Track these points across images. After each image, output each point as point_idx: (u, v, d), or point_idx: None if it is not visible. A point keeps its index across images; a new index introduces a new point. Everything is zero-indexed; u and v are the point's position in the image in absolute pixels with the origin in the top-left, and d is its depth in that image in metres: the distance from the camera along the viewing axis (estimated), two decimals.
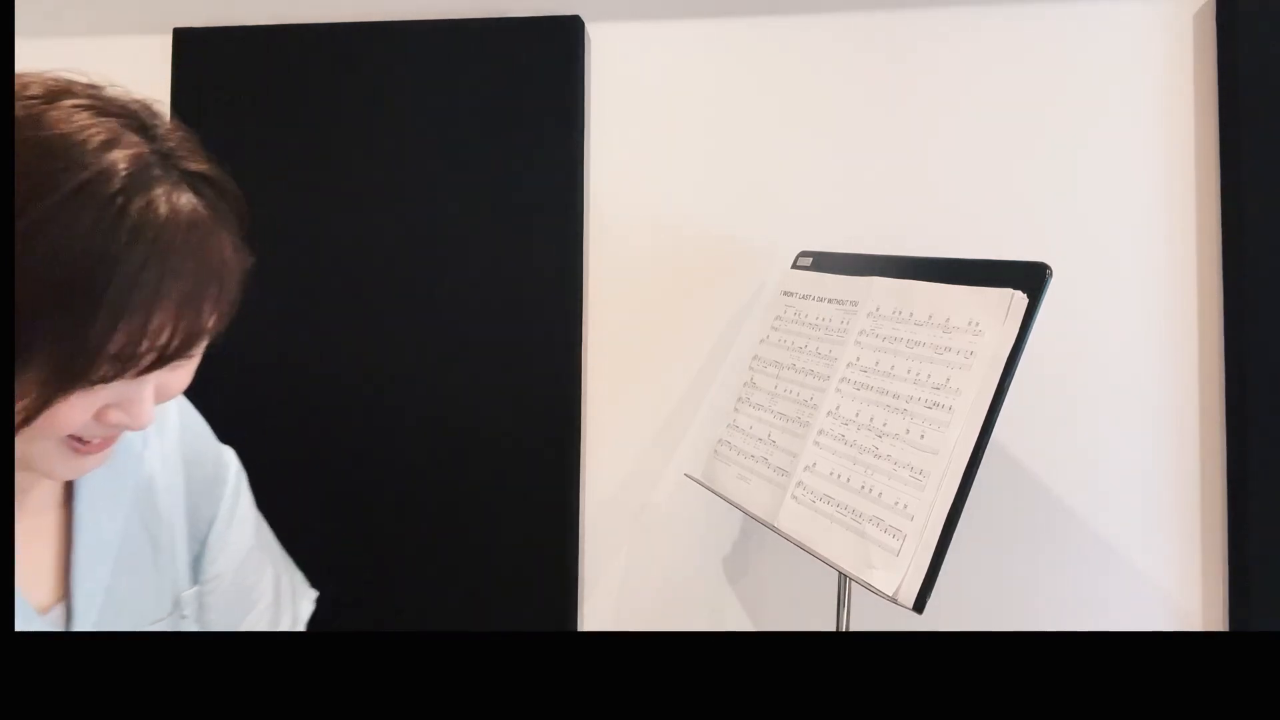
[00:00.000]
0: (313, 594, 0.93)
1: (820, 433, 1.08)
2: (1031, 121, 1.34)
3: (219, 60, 1.47)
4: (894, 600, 0.90)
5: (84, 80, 0.64)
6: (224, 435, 1.42)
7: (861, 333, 1.10)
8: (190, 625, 0.78)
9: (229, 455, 0.86)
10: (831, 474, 1.04)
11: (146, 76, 1.51)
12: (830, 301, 1.17)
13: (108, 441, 0.66)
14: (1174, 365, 1.30)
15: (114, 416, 0.62)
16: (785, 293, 1.26)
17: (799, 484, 1.07)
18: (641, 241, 1.42)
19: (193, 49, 1.48)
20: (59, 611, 0.69)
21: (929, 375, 0.98)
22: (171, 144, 0.62)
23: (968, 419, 0.92)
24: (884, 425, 1.00)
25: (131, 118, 0.64)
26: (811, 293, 1.21)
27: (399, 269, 1.42)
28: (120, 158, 0.58)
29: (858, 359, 1.08)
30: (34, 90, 0.60)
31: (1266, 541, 1.23)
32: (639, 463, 1.41)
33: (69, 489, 0.72)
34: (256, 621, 0.86)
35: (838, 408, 1.07)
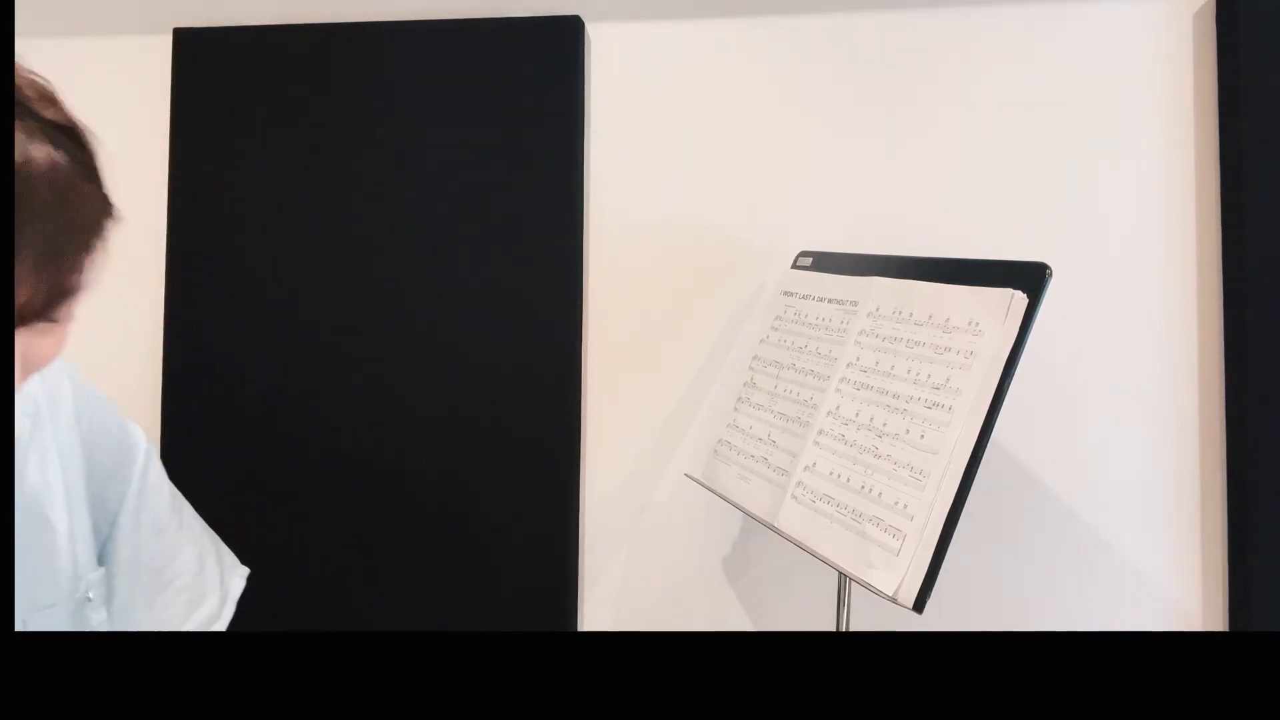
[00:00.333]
0: (244, 571, 0.91)
1: (820, 433, 1.08)
2: (1031, 121, 1.34)
3: (219, 60, 1.47)
4: (894, 600, 0.90)
5: None
6: (224, 435, 1.43)
7: (861, 333, 1.10)
8: (97, 609, 0.75)
9: (136, 433, 0.83)
10: (831, 474, 1.04)
11: (146, 76, 1.51)
12: (830, 301, 1.17)
13: None
14: (1174, 365, 1.30)
15: None
16: (785, 293, 1.26)
17: (799, 484, 1.07)
18: (641, 242, 1.42)
19: (193, 49, 1.48)
20: None
21: (929, 375, 0.98)
22: (29, 94, 0.57)
23: (968, 419, 0.92)
24: (884, 425, 1.00)
25: None
26: (811, 293, 1.21)
27: (398, 269, 1.42)
28: None
29: (858, 359, 1.08)
30: None
31: (1266, 541, 1.23)
32: (639, 463, 1.41)
33: None
34: (171, 601, 0.82)
35: (838, 408, 1.07)
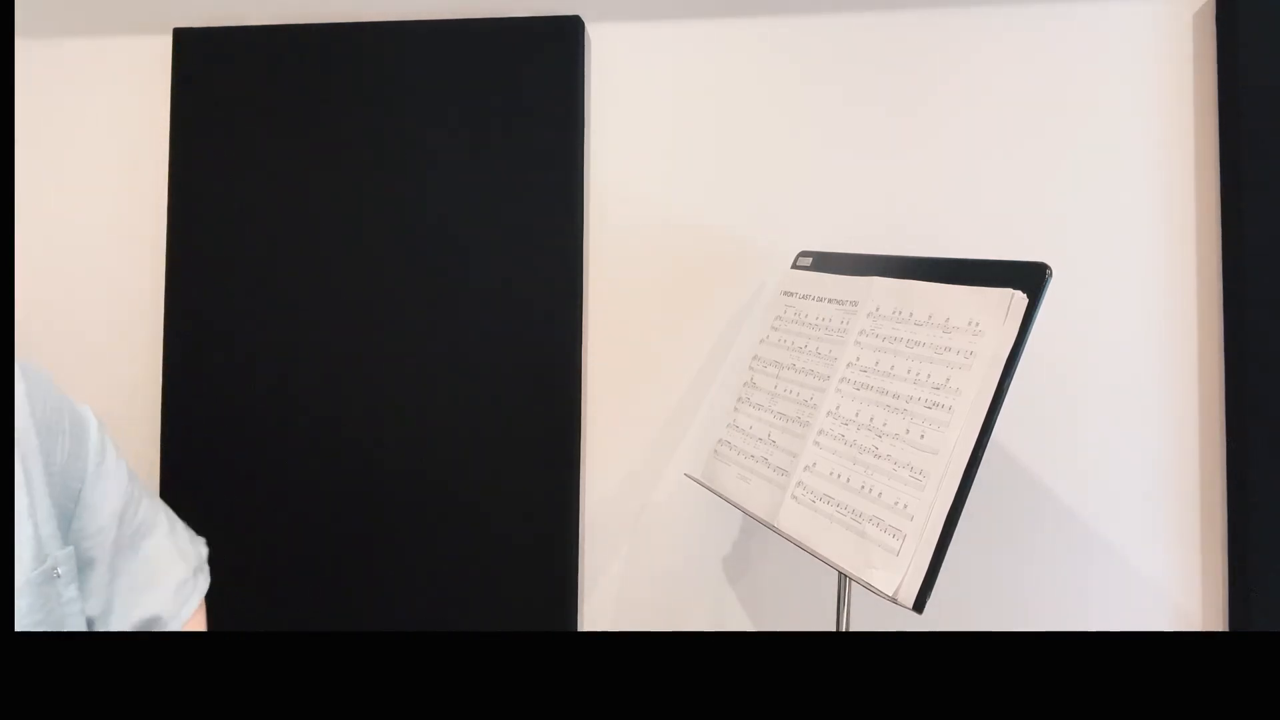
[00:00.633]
0: (203, 539, 0.94)
1: (820, 433, 1.08)
2: (1031, 121, 1.34)
3: (219, 60, 1.47)
4: (894, 600, 0.90)
5: None
6: (224, 436, 1.43)
7: (861, 333, 1.10)
8: (67, 584, 0.76)
9: (86, 413, 0.85)
10: (831, 474, 1.04)
11: (146, 76, 1.51)
12: (830, 301, 1.17)
13: None
14: (1174, 365, 1.30)
15: None
16: (785, 293, 1.26)
17: (799, 484, 1.07)
18: (641, 241, 1.42)
19: (193, 49, 1.48)
20: None
21: (929, 375, 0.98)
22: None
23: (968, 419, 0.92)
24: (884, 425, 1.00)
25: None
26: (811, 293, 1.21)
27: (398, 269, 1.42)
28: None
29: (858, 359, 1.08)
30: None
31: (1266, 541, 1.23)
32: (639, 463, 1.41)
33: None
34: (159, 545, 0.86)
35: (838, 408, 1.07)
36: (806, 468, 1.07)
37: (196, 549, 0.92)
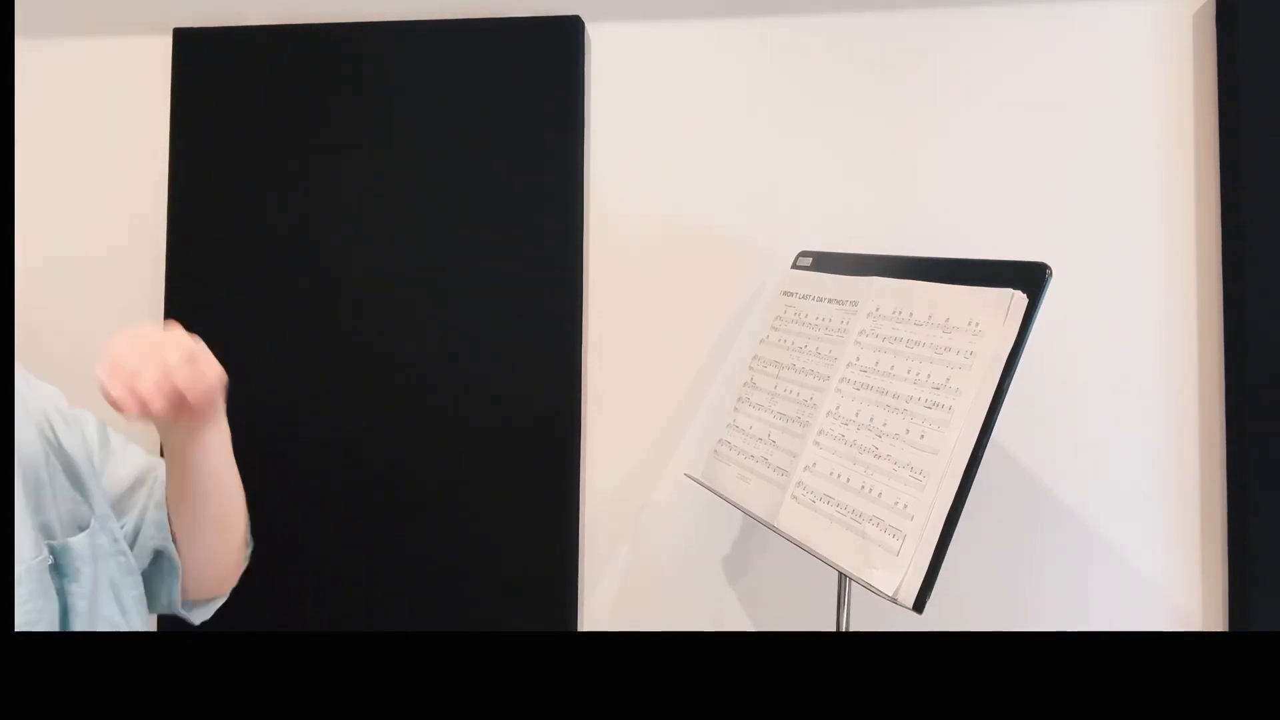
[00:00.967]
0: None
1: (820, 433, 1.08)
2: (1031, 121, 1.34)
3: (219, 60, 1.47)
4: (894, 600, 0.90)
5: None
6: None
7: (861, 333, 1.10)
8: (61, 574, 0.79)
9: (85, 414, 0.90)
10: (831, 474, 1.04)
11: (146, 76, 1.51)
12: (830, 301, 1.17)
13: None
14: (1174, 365, 1.30)
15: None
16: (785, 293, 1.26)
17: (799, 484, 1.07)
18: (641, 242, 1.42)
19: (193, 49, 1.48)
20: None
21: (929, 375, 0.98)
22: None
23: (968, 419, 0.92)
24: (884, 425, 1.00)
25: None
26: (811, 293, 1.21)
27: (398, 269, 1.42)
28: None
29: (858, 359, 1.08)
30: None
31: (1266, 541, 1.23)
32: (639, 463, 1.41)
33: None
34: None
35: (838, 408, 1.07)
36: (806, 468, 1.07)
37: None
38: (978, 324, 0.96)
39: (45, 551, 0.77)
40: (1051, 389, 1.31)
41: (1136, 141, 1.32)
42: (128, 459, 0.90)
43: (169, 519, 0.87)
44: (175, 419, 0.76)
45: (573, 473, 1.39)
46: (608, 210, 1.43)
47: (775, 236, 1.38)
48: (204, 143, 1.47)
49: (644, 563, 1.41)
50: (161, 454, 0.89)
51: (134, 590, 0.86)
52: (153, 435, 0.87)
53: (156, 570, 0.88)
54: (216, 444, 0.84)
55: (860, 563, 0.95)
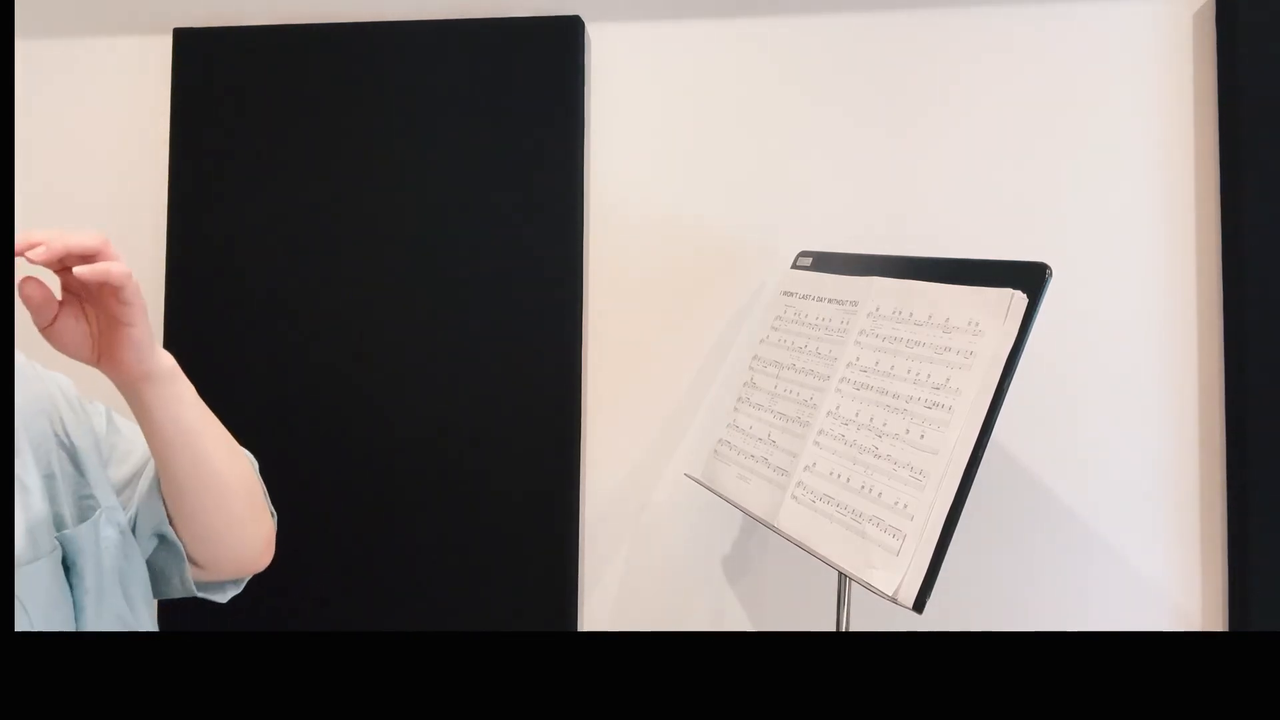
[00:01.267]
0: None
1: (820, 433, 1.08)
2: (1031, 121, 1.34)
3: (219, 60, 1.47)
4: (894, 600, 0.90)
5: None
6: None
7: (861, 333, 1.10)
8: (70, 561, 0.79)
9: (94, 406, 0.89)
10: (831, 474, 1.04)
11: (146, 76, 1.51)
12: (830, 301, 1.17)
13: None
14: (1174, 365, 1.30)
15: None
16: (785, 293, 1.26)
17: (799, 484, 1.07)
18: (641, 241, 1.42)
19: (193, 49, 1.48)
20: None
21: (929, 375, 0.98)
22: None
23: (968, 419, 0.92)
24: (884, 425, 1.00)
25: None
26: (811, 293, 1.21)
27: (399, 268, 1.42)
28: None
29: (858, 359, 1.08)
30: None
31: (1266, 541, 1.23)
32: (639, 463, 1.41)
33: None
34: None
35: (838, 408, 1.07)
36: (806, 468, 1.07)
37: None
38: (978, 324, 0.96)
39: (55, 543, 0.77)
40: (1051, 389, 1.31)
41: (1136, 141, 1.32)
42: (136, 447, 0.89)
43: (163, 499, 0.85)
44: (92, 305, 0.73)
45: (573, 473, 1.39)
46: (608, 210, 1.43)
47: (775, 236, 1.38)
48: (204, 143, 1.47)
49: (644, 563, 1.41)
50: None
51: (141, 580, 0.85)
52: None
53: (164, 555, 0.87)
54: (178, 398, 0.80)
55: (860, 563, 0.95)
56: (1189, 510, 1.29)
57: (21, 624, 0.72)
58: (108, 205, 1.51)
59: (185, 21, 1.49)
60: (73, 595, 0.78)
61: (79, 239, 0.69)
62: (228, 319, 1.45)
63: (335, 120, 1.44)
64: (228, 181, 1.46)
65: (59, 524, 0.79)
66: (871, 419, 1.02)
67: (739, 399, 1.25)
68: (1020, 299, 0.93)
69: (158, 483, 0.85)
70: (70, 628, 0.77)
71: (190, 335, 1.46)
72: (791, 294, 1.25)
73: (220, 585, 0.93)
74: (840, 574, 1.08)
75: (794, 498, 1.07)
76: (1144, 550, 1.30)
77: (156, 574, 0.87)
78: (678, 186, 1.41)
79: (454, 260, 1.42)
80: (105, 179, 1.52)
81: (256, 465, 0.95)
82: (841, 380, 1.09)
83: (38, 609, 0.74)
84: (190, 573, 0.88)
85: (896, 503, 0.95)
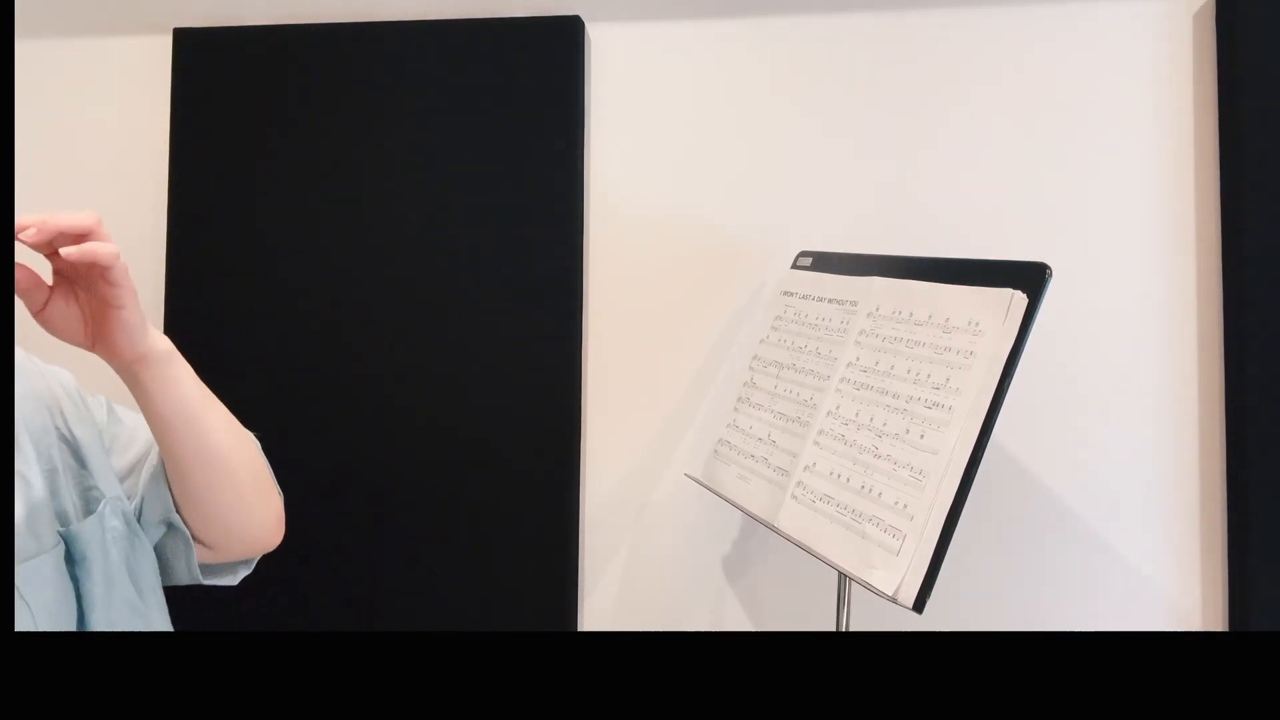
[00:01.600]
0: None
1: (820, 433, 1.08)
2: (1031, 121, 1.34)
3: (219, 60, 1.47)
4: (894, 600, 0.90)
5: None
6: None
7: (861, 333, 1.10)
8: (70, 558, 0.78)
9: (95, 400, 0.89)
10: (831, 474, 1.04)
11: (146, 76, 1.51)
12: (830, 301, 1.17)
13: None
14: (1174, 366, 1.30)
15: None
16: (785, 293, 1.26)
17: (799, 484, 1.07)
18: (641, 241, 1.42)
19: (193, 49, 1.48)
20: None
21: (929, 375, 0.98)
22: None
23: (968, 419, 0.92)
24: (884, 425, 1.00)
25: None
26: (811, 293, 1.21)
27: (399, 269, 1.42)
28: None
29: (858, 359, 1.08)
30: None
31: (1266, 541, 1.23)
32: (639, 463, 1.41)
33: None
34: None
35: (838, 408, 1.07)
36: (806, 468, 1.07)
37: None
38: (978, 324, 0.96)
39: (58, 538, 0.77)
40: (1052, 389, 1.31)
41: (1137, 141, 1.32)
42: (139, 435, 0.89)
43: (168, 484, 0.85)
44: (81, 285, 0.73)
45: (573, 473, 1.39)
46: (608, 210, 1.43)
47: (775, 236, 1.38)
48: (204, 143, 1.47)
49: (644, 563, 1.41)
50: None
51: (149, 569, 0.84)
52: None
53: (171, 542, 0.87)
54: (176, 380, 0.79)
55: (860, 563, 0.95)
56: (1189, 510, 1.29)
57: (23, 619, 0.72)
58: (108, 205, 1.51)
59: (185, 21, 1.49)
60: (82, 588, 0.78)
61: (69, 219, 0.69)
62: (227, 319, 1.45)
63: (335, 120, 1.44)
64: (227, 181, 1.46)
65: (63, 518, 0.79)
66: (871, 419, 1.02)
67: (739, 399, 1.25)
68: (1020, 299, 0.93)
69: (162, 469, 0.84)
70: (73, 623, 0.77)
71: (190, 335, 1.45)
72: (791, 294, 1.25)
73: (231, 567, 0.93)
74: (840, 574, 1.08)
75: (794, 498, 1.07)
76: (1144, 550, 1.30)
77: (164, 561, 0.87)
78: (678, 186, 1.41)
79: (454, 260, 1.42)
80: (105, 179, 1.52)
81: (259, 445, 0.94)
82: (841, 380, 1.09)
83: (40, 604, 0.74)
84: (200, 556, 0.88)
85: (896, 503, 0.95)
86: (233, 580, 0.93)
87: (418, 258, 1.42)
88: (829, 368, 1.11)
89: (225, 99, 1.47)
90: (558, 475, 1.39)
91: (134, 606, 0.82)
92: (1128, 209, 1.31)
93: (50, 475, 0.79)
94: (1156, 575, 1.30)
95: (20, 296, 0.71)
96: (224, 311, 1.45)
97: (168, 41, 1.50)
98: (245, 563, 0.95)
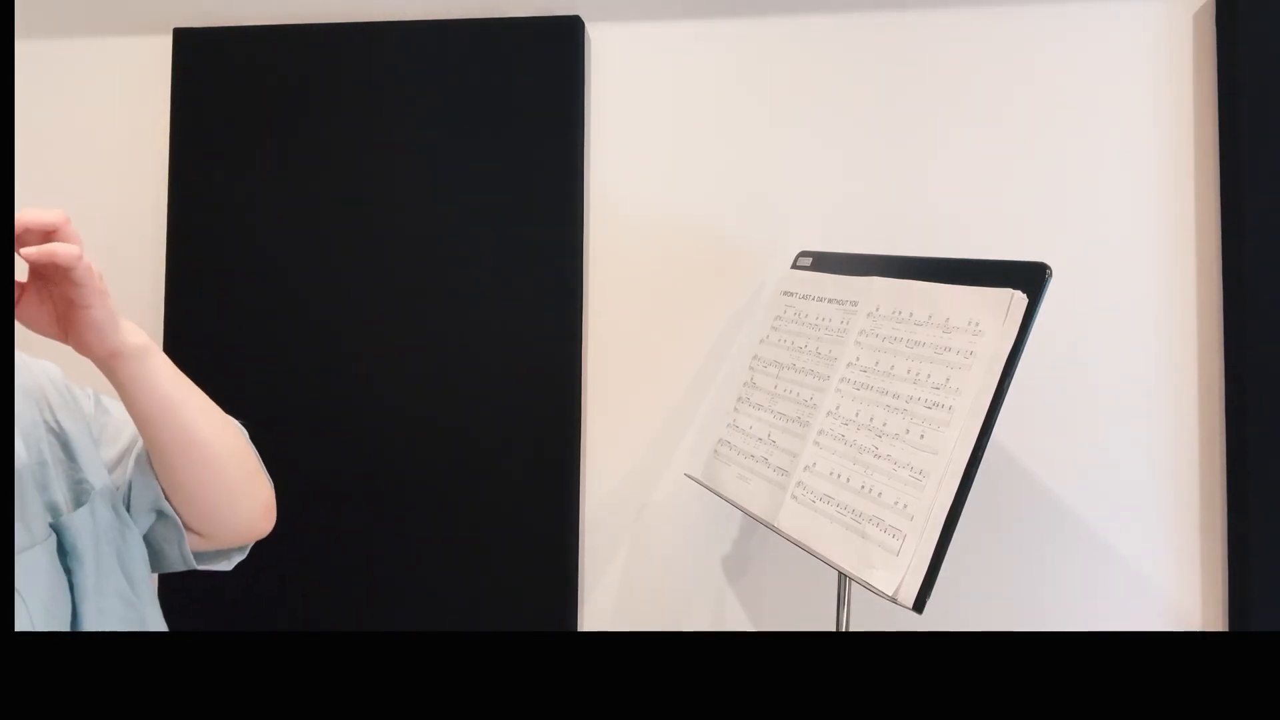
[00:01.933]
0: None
1: (820, 432, 1.08)
2: (1031, 121, 1.34)
3: (219, 60, 1.47)
4: (894, 600, 0.90)
5: None
6: None
7: (861, 333, 1.10)
8: (62, 551, 0.79)
9: (83, 392, 0.90)
10: (831, 474, 1.04)
11: (147, 76, 1.51)
12: (830, 301, 1.17)
13: None
14: (1174, 366, 1.30)
15: None
16: (785, 293, 1.26)
17: (799, 484, 1.07)
18: (641, 241, 1.42)
19: (193, 49, 1.48)
20: None
21: (929, 375, 0.98)
22: None
23: (968, 419, 0.92)
24: (884, 425, 1.00)
25: None
26: (811, 293, 1.21)
27: (399, 269, 1.42)
28: None
29: (858, 359, 1.08)
30: None
31: (1266, 541, 1.23)
32: (639, 463, 1.41)
33: None
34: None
35: (838, 407, 1.07)
36: (806, 468, 1.07)
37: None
38: (978, 324, 0.96)
39: (49, 530, 0.78)
40: (1051, 389, 1.31)
41: (1137, 141, 1.32)
42: (126, 426, 0.89)
43: (154, 471, 0.86)
44: (49, 279, 0.73)
45: (573, 473, 1.39)
46: (608, 210, 1.43)
47: (775, 236, 1.38)
48: (204, 143, 1.47)
49: (644, 563, 1.41)
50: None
51: (140, 558, 0.85)
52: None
53: (161, 529, 0.87)
54: (153, 373, 0.80)
55: (860, 563, 0.95)
56: (1189, 510, 1.29)
57: (18, 610, 0.72)
58: (108, 205, 1.51)
59: (185, 21, 1.49)
60: (73, 578, 0.79)
61: (35, 216, 0.69)
62: (228, 318, 1.45)
63: (335, 120, 1.44)
64: (227, 181, 1.46)
65: (54, 511, 0.79)
66: (871, 419, 1.02)
67: (739, 399, 1.25)
68: (1020, 299, 0.93)
69: (147, 457, 0.85)
70: (67, 614, 0.78)
71: (190, 335, 1.46)
72: (791, 294, 1.25)
73: (226, 553, 0.93)
74: (840, 574, 1.08)
75: (794, 498, 1.07)
76: (1144, 550, 1.30)
77: (155, 549, 0.88)
78: (678, 186, 1.41)
79: (453, 260, 1.42)
80: (105, 179, 1.52)
81: (246, 433, 0.95)
82: (841, 380, 1.09)
83: (34, 595, 0.74)
84: (192, 544, 0.88)
85: (896, 503, 0.95)
86: (227, 566, 0.94)
87: (417, 258, 1.42)
88: (829, 368, 1.11)
89: (225, 99, 1.47)
90: (558, 475, 1.39)
91: (125, 597, 0.82)
92: (1128, 209, 1.31)
93: (41, 468, 0.80)
94: (1156, 575, 1.30)
95: None
96: (224, 311, 1.45)
97: (168, 41, 1.50)
98: (239, 549, 0.95)
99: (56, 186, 1.52)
